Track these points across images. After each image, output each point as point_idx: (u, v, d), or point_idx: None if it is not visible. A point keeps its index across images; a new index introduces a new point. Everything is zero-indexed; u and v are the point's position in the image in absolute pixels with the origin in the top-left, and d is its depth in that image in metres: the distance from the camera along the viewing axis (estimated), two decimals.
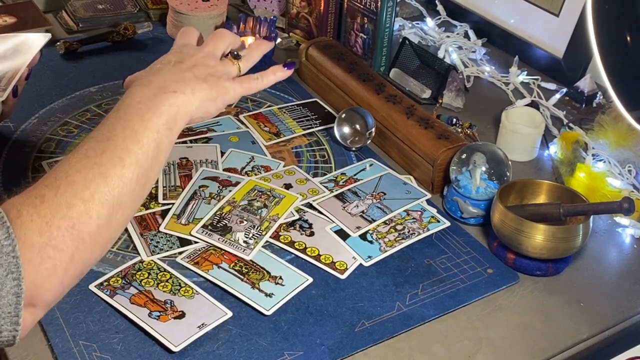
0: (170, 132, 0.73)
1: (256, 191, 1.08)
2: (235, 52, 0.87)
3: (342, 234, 1.03)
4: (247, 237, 1.00)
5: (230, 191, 1.08)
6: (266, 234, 1.01)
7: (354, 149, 1.21)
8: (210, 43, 0.85)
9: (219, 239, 1.00)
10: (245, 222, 1.03)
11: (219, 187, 1.09)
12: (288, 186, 1.11)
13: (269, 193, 1.08)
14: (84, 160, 0.67)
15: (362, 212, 1.07)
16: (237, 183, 1.10)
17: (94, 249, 0.66)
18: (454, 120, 1.26)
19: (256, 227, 1.02)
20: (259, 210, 1.05)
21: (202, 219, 1.03)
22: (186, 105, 0.75)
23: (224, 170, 1.14)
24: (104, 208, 0.66)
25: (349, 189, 1.11)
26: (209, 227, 1.01)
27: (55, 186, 0.64)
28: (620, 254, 1.06)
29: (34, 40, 1.08)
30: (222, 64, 0.84)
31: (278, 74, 0.90)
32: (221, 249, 0.99)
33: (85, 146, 0.69)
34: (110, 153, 0.68)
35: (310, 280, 0.96)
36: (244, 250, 0.98)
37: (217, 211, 1.04)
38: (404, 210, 1.08)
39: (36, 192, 0.64)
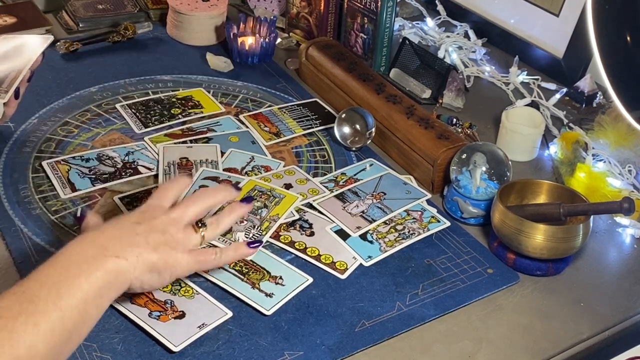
0: (100, 301, 0.68)
1: (256, 191, 1.08)
2: (201, 221, 0.81)
3: (342, 234, 1.03)
4: (247, 237, 1.00)
5: None
6: (266, 234, 1.01)
7: (354, 149, 1.21)
8: (181, 207, 0.78)
9: (219, 239, 0.99)
10: (245, 222, 1.03)
11: None
12: (288, 186, 1.11)
13: (269, 193, 1.08)
14: None
15: (362, 212, 1.07)
16: (238, 183, 1.10)
17: None
18: (454, 120, 1.26)
19: (256, 227, 1.02)
20: (259, 210, 1.05)
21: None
22: (125, 273, 0.69)
23: (224, 170, 1.14)
24: None
25: (349, 189, 1.11)
26: None
27: None
28: (620, 254, 1.06)
29: (36, 42, 1.08)
30: (183, 232, 0.77)
31: (240, 250, 0.83)
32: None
33: (4, 302, 0.62)
34: (26, 317, 0.61)
35: (311, 280, 0.96)
36: None
37: (217, 211, 1.04)
38: (404, 210, 1.08)
39: None
